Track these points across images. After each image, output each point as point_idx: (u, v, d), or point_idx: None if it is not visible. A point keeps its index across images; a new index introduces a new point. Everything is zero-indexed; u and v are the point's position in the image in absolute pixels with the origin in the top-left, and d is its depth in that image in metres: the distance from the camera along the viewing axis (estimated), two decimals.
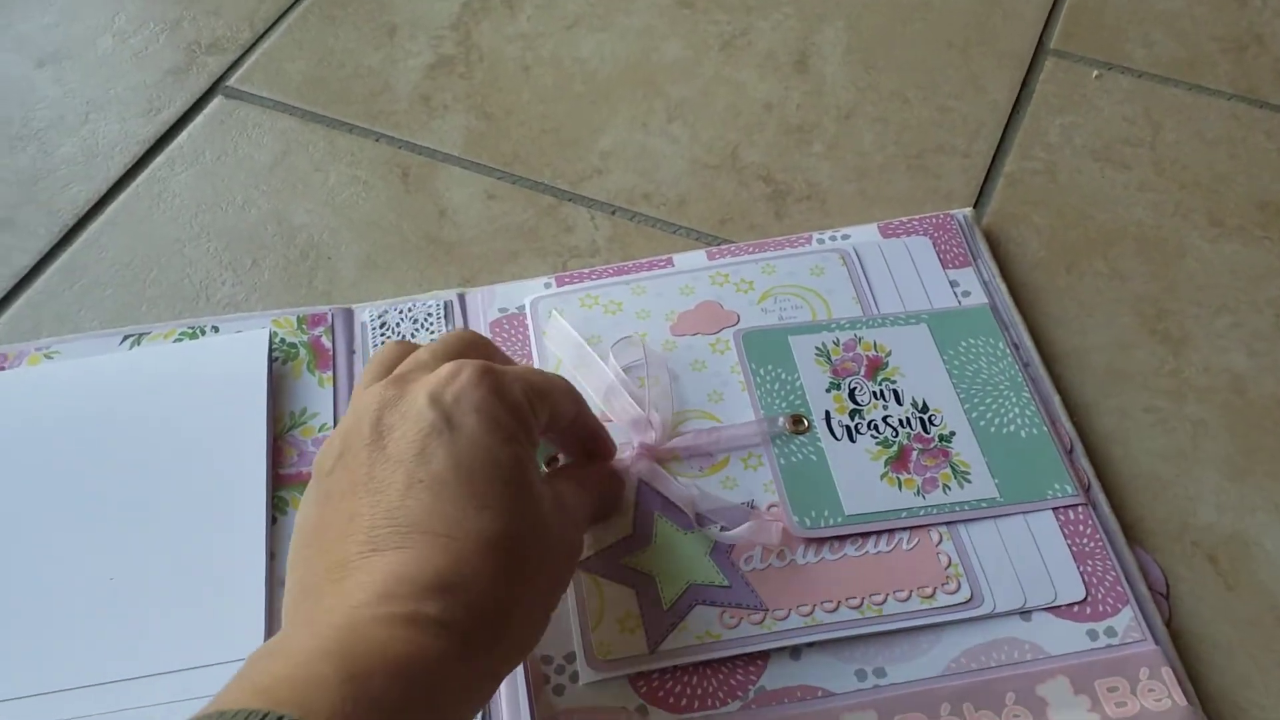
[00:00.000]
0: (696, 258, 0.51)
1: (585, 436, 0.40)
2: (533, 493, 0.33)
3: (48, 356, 0.49)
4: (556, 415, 0.37)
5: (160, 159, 0.59)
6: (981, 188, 0.56)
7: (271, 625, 0.40)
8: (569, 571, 0.36)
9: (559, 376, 0.38)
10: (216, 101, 0.61)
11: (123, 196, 0.57)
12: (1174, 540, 0.44)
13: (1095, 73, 0.61)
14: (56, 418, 0.46)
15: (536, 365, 0.48)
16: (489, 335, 0.49)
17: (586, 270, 0.51)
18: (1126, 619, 0.40)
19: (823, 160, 0.57)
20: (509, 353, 0.48)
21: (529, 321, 0.49)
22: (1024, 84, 0.61)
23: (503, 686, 0.39)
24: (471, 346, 0.37)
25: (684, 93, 0.61)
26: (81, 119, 0.61)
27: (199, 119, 0.61)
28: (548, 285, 0.50)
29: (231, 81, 0.62)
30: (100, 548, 0.42)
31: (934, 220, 0.52)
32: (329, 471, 0.33)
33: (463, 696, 0.30)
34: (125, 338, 0.49)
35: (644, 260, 0.51)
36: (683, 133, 0.59)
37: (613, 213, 0.56)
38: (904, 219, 0.52)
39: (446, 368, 0.34)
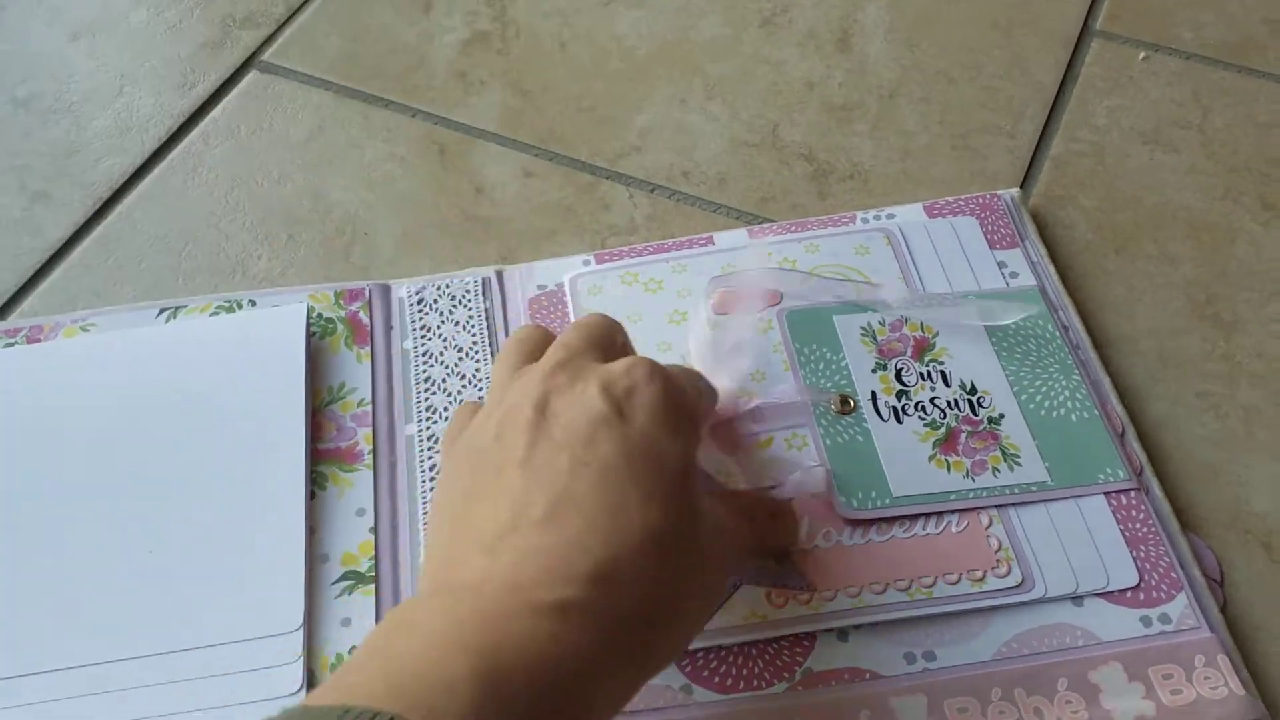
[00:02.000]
0: (738, 236, 0.50)
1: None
2: (695, 494, 0.32)
3: (84, 329, 0.48)
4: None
5: (195, 133, 0.58)
6: (1027, 169, 0.55)
7: (311, 600, 0.40)
8: (719, 587, 0.35)
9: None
10: (251, 76, 0.61)
11: (157, 170, 0.57)
12: (1227, 527, 0.43)
13: (1142, 54, 0.60)
14: (92, 390, 0.46)
15: None
16: (527, 312, 0.48)
17: (626, 248, 0.50)
18: (1181, 605, 0.39)
19: (866, 140, 0.56)
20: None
21: (568, 298, 0.48)
22: (1069, 65, 0.59)
23: None
24: (616, 330, 0.37)
25: (723, 70, 0.60)
26: (115, 92, 0.60)
27: (233, 94, 0.60)
28: (587, 262, 0.50)
29: (266, 56, 0.62)
30: (138, 522, 0.42)
31: (980, 200, 0.51)
32: (482, 449, 0.33)
33: (602, 697, 0.28)
34: (161, 310, 0.49)
35: (684, 239, 0.51)
36: (722, 111, 0.58)
37: (651, 191, 0.55)
38: (950, 199, 0.51)
39: (620, 363, 0.33)
